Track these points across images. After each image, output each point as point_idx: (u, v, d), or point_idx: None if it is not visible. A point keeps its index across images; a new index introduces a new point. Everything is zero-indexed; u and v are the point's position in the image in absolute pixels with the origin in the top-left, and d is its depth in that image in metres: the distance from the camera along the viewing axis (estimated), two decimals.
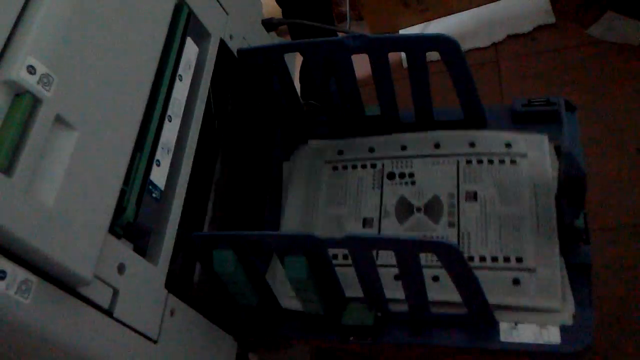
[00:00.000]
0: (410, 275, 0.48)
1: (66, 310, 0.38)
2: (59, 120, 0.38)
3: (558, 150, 0.60)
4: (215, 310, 0.56)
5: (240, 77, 0.69)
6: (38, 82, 0.37)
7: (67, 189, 0.37)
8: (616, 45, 0.99)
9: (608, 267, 0.79)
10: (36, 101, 0.37)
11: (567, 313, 0.51)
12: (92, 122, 0.41)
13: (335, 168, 0.69)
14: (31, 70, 0.37)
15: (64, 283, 0.38)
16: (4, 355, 0.38)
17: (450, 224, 0.60)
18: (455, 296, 0.51)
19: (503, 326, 0.52)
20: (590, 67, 1.00)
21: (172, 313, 0.49)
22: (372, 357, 0.84)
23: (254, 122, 0.74)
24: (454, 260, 0.44)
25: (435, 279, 0.55)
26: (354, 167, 0.68)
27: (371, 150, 0.69)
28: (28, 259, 0.35)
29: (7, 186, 0.33)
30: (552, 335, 0.50)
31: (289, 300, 0.58)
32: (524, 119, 0.63)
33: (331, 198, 0.66)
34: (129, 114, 0.46)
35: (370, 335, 0.54)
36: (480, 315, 0.51)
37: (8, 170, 0.34)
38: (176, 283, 0.51)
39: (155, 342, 0.46)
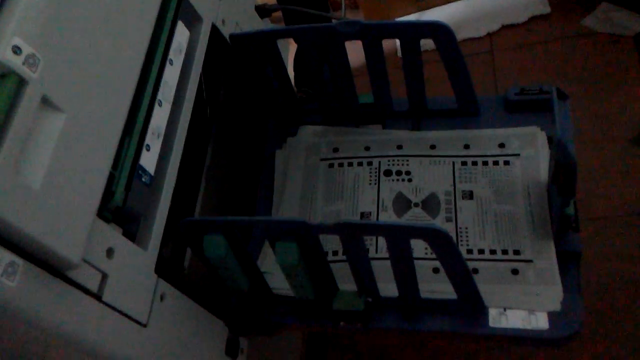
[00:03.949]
0: (401, 261, 0.48)
1: (53, 294, 0.38)
2: (46, 101, 0.38)
3: (551, 139, 0.60)
4: (205, 295, 0.56)
5: (233, 63, 0.68)
6: (24, 63, 0.36)
7: (54, 172, 0.37)
8: (611, 37, 0.99)
9: (596, 257, 0.79)
10: (22, 82, 0.36)
11: (556, 299, 0.51)
12: (80, 104, 0.41)
13: (331, 165, 0.69)
14: (16, 50, 0.36)
15: (52, 267, 0.38)
16: None
17: (448, 219, 0.60)
18: (449, 287, 0.52)
19: (492, 312, 0.52)
20: (585, 58, 1.00)
21: (162, 298, 0.49)
22: (363, 343, 0.84)
23: (246, 109, 0.73)
24: (444, 245, 0.45)
25: (436, 270, 0.56)
26: (350, 164, 0.68)
27: (367, 148, 0.69)
28: (14, 241, 0.35)
29: None
30: (540, 321, 0.50)
31: (280, 285, 0.58)
32: (517, 108, 0.63)
33: (328, 194, 0.66)
34: (117, 97, 0.46)
35: (361, 320, 0.54)
36: (469, 301, 0.51)
37: None
38: (166, 268, 0.51)
39: (144, 326, 0.46)
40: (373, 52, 0.61)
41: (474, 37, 1.10)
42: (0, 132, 0.34)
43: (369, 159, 0.68)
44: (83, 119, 0.41)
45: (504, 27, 1.10)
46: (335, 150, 0.70)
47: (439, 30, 0.56)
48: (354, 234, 0.46)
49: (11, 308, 0.35)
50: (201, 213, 0.61)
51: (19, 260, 0.35)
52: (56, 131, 0.38)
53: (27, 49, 0.37)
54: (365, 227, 0.47)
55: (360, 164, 0.68)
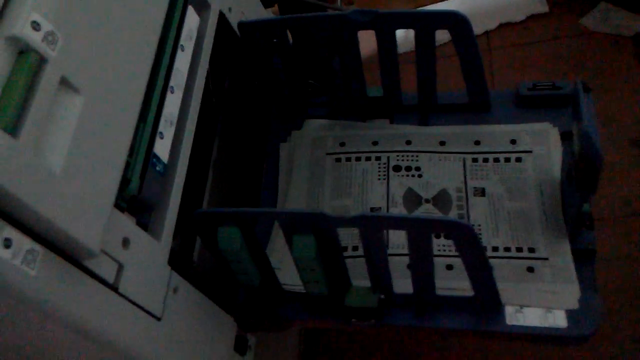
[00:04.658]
0: (421, 256, 0.47)
1: (72, 284, 0.36)
2: (64, 82, 0.36)
3: (564, 135, 0.60)
4: (215, 289, 0.55)
5: (239, 52, 0.67)
6: (43, 40, 0.35)
7: (75, 156, 0.35)
8: (609, 36, 0.99)
9: (601, 258, 0.80)
10: (41, 60, 0.34)
11: (573, 297, 0.51)
12: (97, 88, 0.39)
13: (338, 160, 0.68)
14: (35, 26, 0.34)
15: (70, 255, 0.36)
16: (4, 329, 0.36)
17: (460, 216, 0.59)
18: (467, 284, 0.51)
19: (508, 309, 0.51)
20: (583, 57, 1.00)
21: (175, 290, 0.47)
22: (359, 343, 0.83)
23: (252, 100, 0.72)
24: (467, 240, 0.44)
25: (449, 267, 0.55)
26: (358, 159, 0.67)
27: (374, 143, 0.68)
28: (33, 227, 0.33)
29: (13, 148, 0.31)
30: (558, 319, 0.50)
31: (290, 281, 0.57)
32: (528, 103, 0.63)
33: (336, 189, 0.65)
34: (133, 82, 0.44)
35: (374, 317, 0.53)
36: (486, 299, 0.51)
37: (14, 131, 0.31)
38: (178, 260, 0.49)
39: (159, 319, 0.44)
40: (386, 42, 0.60)
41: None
42: (21, 112, 0.32)
43: (377, 154, 0.67)
44: (100, 102, 0.39)
45: (502, 26, 1.10)
46: (342, 144, 0.69)
47: (456, 20, 0.55)
48: (375, 227, 0.45)
49: (30, 298, 0.33)
50: (209, 206, 0.60)
51: (38, 248, 0.33)
52: (75, 114, 0.36)
53: (46, 26, 0.35)
54: (388, 220, 0.46)
55: (368, 158, 0.67)
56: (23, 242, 0.32)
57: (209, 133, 0.63)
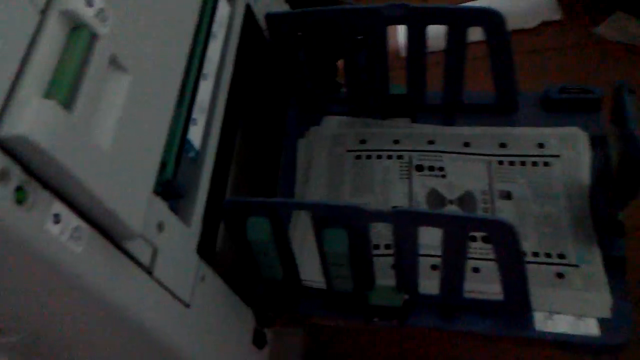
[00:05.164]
0: (455, 256, 0.47)
1: (113, 264, 0.35)
2: (114, 60, 0.36)
3: (594, 140, 0.60)
4: (237, 280, 0.54)
5: (262, 44, 0.66)
6: (95, 16, 0.34)
7: (122, 135, 0.35)
8: (624, 46, 1.00)
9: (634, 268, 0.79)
10: (93, 36, 0.34)
11: (605, 306, 0.51)
12: (143, 68, 0.39)
13: (358, 157, 0.67)
14: (89, 1, 0.34)
15: (110, 235, 0.35)
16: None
17: None
18: (493, 287, 0.51)
19: (538, 315, 0.51)
20: (597, 67, 1.00)
21: (202, 279, 0.47)
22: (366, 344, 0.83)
23: (272, 93, 0.71)
24: (508, 240, 0.43)
25: (476, 270, 0.54)
26: (379, 157, 0.66)
27: (396, 142, 0.67)
28: (80, 204, 0.32)
29: (67, 121, 0.30)
30: (590, 327, 0.50)
31: (311, 277, 0.56)
32: (556, 107, 0.63)
33: (356, 187, 0.65)
34: (173, 65, 0.44)
35: (397, 317, 0.53)
36: (517, 303, 0.50)
37: (68, 105, 0.31)
38: (205, 248, 0.49)
39: (187, 306, 0.44)
40: (416, 38, 0.60)
41: (482, 40, 1.10)
42: (74, 88, 0.31)
43: (399, 152, 0.67)
44: (145, 83, 0.39)
45: (514, 32, 1.09)
46: (363, 142, 0.69)
47: (491, 17, 0.55)
48: (412, 223, 0.45)
49: (74, 275, 0.32)
50: (231, 196, 0.59)
51: (84, 225, 0.33)
52: (123, 93, 0.36)
53: (98, 2, 0.34)
54: (427, 217, 0.46)
55: (389, 157, 0.67)
56: (71, 219, 0.32)
57: (232, 123, 0.62)
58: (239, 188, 0.62)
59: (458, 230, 0.44)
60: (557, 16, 1.07)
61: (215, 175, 0.52)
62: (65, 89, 0.31)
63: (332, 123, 0.71)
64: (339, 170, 0.67)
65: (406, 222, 0.45)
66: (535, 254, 0.56)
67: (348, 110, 0.71)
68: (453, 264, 0.48)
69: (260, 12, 0.65)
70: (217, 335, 0.49)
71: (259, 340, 0.57)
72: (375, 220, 0.46)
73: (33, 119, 0.28)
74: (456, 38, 0.59)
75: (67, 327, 0.39)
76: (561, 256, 0.56)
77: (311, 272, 0.57)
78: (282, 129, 0.72)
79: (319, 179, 0.67)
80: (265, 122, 0.71)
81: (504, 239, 0.44)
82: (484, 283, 0.54)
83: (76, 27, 0.33)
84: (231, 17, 0.58)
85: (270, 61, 0.68)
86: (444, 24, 0.58)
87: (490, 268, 0.56)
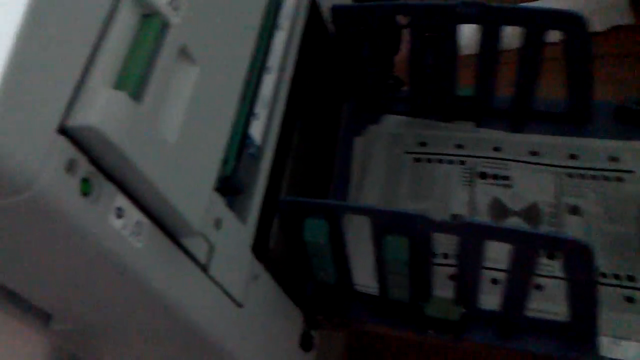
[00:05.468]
0: (522, 273, 0.44)
1: (171, 260, 0.34)
2: (183, 51, 0.34)
3: None
4: (288, 280, 0.53)
5: (325, 37, 0.64)
6: (169, 4, 0.33)
7: (188, 128, 0.34)
8: None
9: None
10: (165, 25, 0.33)
11: None
12: (211, 60, 0.37)
13: (417, 160, 0.65)
14: None
15: (169, 230, 0.34)
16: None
17: None
18: (557, 307, 0.48)
19: (604, 340, 0.48)
20: None
21: (256, 277, 0.46)
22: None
23: (330, 89, 0.70)
24: (583, 263, 0.40)
25: (539, 287, 0.52)
26: (440, 161, 0.64)
27: (459, 146, 0.64)
28: (142, 198, 0.31)
29: (136, 113, 0.29)
30: None
31: (365, 282, 0.55)
32: (634, 119, 0.59)
33: (414, 191, 0.62)
34: (239, 57, 0.42)
35: (453, 331, 0.51)
36: (583, 326, 0.47)
37: (138, 97, 0.30)
38: (258, 246, 0.47)
39: (240, 306, 0.43)
40: (490, 39, 0.57)
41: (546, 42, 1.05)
42: (144, 79, 0.30)
43: (462, 158, 0.64)
44: (211, 75, 0.37)
45: None
46: (423, 144, 0.66)
47: (573, 21, 0.51)
48: (479, 237, 0.42)
49: (132, 270, 0.31)
50: (286, 194, 0.58)
51: (145, 220, 0.32)
52: (190, 84, 0.35)
53: None
54: (496, 231, 0.43)
55: (451, 161, 0.64)
56: (133, 213, 0.31)
57: (291, 119, 0.61)
58: (293, 184, 0.61)
59: (529, 248, 0.42)
60: (629, 20, 1.01)
61: (272, 171, 0.51)
62: (135, 80, 0.29)
63: (391, 122, 0.69)
64: (397, 172, 0.65)
65: (473, 235, 0.42)
66: (603, 275, 0.53)
67: (408, 109, 0.69)
68: (519, 281, 0.46)
69: (324, 3, 0.63)
70: (265, 336, 0.48)
71: (306, 343, 0.56)
72: (441, 231, 0.43)
73: (103, 110, 0.27)
74: (533, 41, 0.55)
75: (118, 320, 0.38)
76: (631, 278, 0.52)
77: (364, 276, 0.55)
78: (338, 126, 0.70)
79: (375, 180, 0.65)
80: (321, 118, 0.69)
81: (578, 261, 0.41)
82: (547, 302, 0.51)
83: (147, 15, 0.32)
84: (296, 8, 0.56)
85: (331, 55, 0.66)
86: (521, 25, 0.55)
87: (554, 286, 0.53)
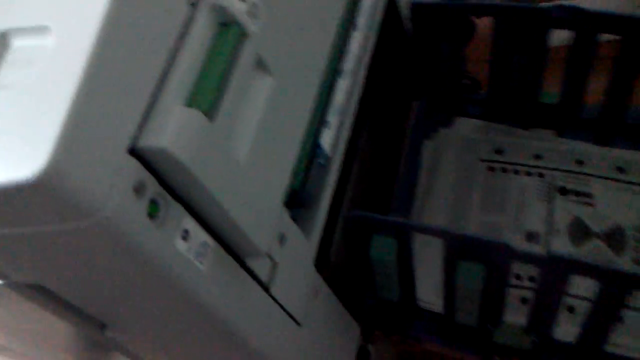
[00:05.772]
0: (607, 310, 0.40)
1: (234, 282, 0.33)
2: (259, 62, 0.32)
3: None
4: (348, 294, 0.50)
5: (402, 36, 0.61)
6: (247, 12, 0.31)
7: (258, 145, 0.32)
8: None
9: None
10: (242, 35, 0.31)
11: None
12: (286, 69, 0.35)
13: (491, 169, 0.61)
14: None
15: (234, 251, 0.33)
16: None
17: (636, 261, 0.51)
18: (637, 342, 0.44)
19: None
20: None
21: (316, 293, 0.44)
22: None
23: (401, 90, 0.66)
24: None
25: (619, 319, 0.47)
26: (516, 172, 0.60)
27: (537, 157, 0.60)
28: (209, 219, 0.30)
29: (209, 133, 0.27)
30: None
31: (429, 299, 0.52)
32: None
33: (487, 203, 0.59)
34: (314, 64, 0.40)
35: (521, 359, 0.47)
36: None
37: (211, 114, 0.28)
38: (319, 261, 0.45)
39: (299, 324, 0.41)
40: (584, 45, 0.52)
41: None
42: (218, 91, 0.28)
43: (541, 170, 0.59)
44: (286, 86, 0.35)
45: None
46: (499, 152, 0.62)
47: None
48: (564, 271, 0.39)
49: (195, 293, 0.30)
50: (350, 204, 0.55)
51: (210, 241, 0.30)
52: (264, 98, 0.33)
53: None
54: (585, 268, 0.39)
55: (528, 173, 0.60)
56: (199, 234, 0.29)
57: (360, 125, 0.58)
58: (356, 191, 0.58)
59: (621, 288, 0.38)
60: None
61: (339, 181, 0.49)
62: (210, 96, 0.28)
63: (465, 125, 0.65)
64: (469, 180, 0.61)
65: (558, 269, 0.39)
66: None
67: (484, 113, 0.65)
68: (603, 317, 0.42)
69: (402, 0, 0.60)
70: (323, 352, 0.46)
71: (363, 357, 0.54)
72: (523, 262, 0.40)
73: (176, 130, 0.25)
74: (630, 50, 0.50)
75: (174, 337, 0.37)
76: None
77: (428, 292, 0.52)
78: (405, 126, 0.67)
79: (444, 188, 0.61)
80: (389, 118, 0.66)
81: None
82: (629, 336, 0.47)
83: (224, 24, 0.30)
84: (374, 6, 0.53)
85: (406, 54, 0.63)
86: (618, 33, 0.50)
87: (637, 319, 0.48)
